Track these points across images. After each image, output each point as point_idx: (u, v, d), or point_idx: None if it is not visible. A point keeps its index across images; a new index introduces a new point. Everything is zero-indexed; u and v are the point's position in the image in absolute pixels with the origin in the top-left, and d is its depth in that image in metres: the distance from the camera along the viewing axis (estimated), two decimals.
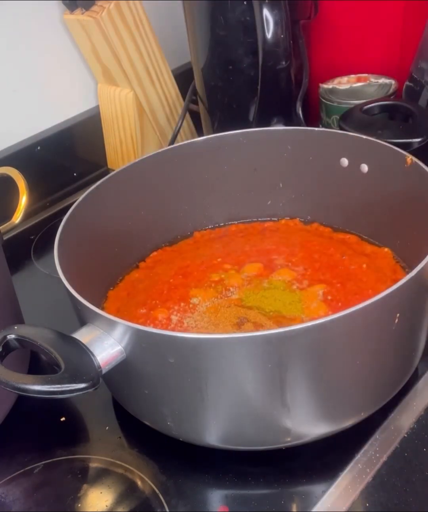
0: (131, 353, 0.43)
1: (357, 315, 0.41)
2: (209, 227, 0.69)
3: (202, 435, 0.49)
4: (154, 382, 0.46)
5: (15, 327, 0.43)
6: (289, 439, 0.48)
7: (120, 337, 0.43)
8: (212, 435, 0.49)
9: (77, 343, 0.43)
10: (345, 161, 0.61)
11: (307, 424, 0.48)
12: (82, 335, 0.44)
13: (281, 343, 0.41)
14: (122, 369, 0.45)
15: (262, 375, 0.43)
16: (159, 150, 0.63)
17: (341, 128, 0.65)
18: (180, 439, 0.50)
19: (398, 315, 0.44)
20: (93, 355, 0.42)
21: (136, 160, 0.62)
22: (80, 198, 0.56)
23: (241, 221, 0.70)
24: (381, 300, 0.41)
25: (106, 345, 0.43)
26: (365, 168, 0.60)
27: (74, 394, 0.40)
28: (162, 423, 0.50)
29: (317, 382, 0.45)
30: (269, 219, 0.69)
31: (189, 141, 0.64)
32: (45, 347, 0.42)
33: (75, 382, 0.40)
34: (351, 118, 0.67)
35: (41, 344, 0.42)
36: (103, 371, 0.43)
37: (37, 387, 0.40)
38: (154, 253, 0.67)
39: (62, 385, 0.40)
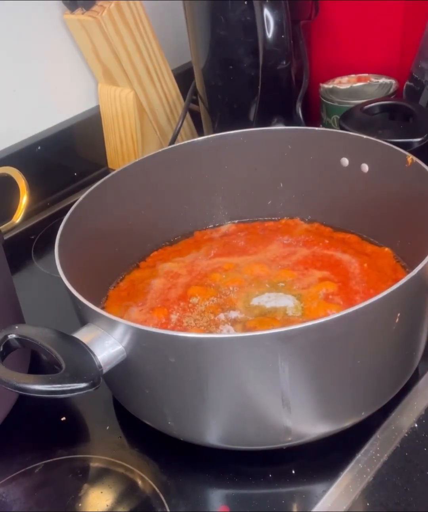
0: (132, 352, 0.44)
1: (358, 314, 0.41)
2: (210, 226, 0.69)
3: (202, 435, 0.49)
4: (155, 381, 0.46)
5: (16, 327, 0.43)
6: (289, 438, 0.48)
7: (121, 337, 0.43)
8: (213, 434, 0.48)
9: (78, 343, 0.43)
10: (345, 161, 0.62)
11: (308, 424, 0.48)
12: (83, 335, 0.44)
13: (282, 342, 0.41)
14: (123, 369, 0.45)
15: (263, 374, 0.43)
16: (160, 150, 0.63)
17: (342, 128, 0.65)
18: (181, 439, 0.50)
19: (398, 314, 0.44)
20: (94, 354, 0.42)
21: (137, 160, 0.62)
22: (81, 198, 0.56)
23: (241, 220, 0.70)
24: (381, 299, 0.41)
25: (107, 345, 0.43)
26: (365, 167, 0.60)
27: (75, 393, 0.40)
28: (163, 423, 0.50)
29: (318, 381, 0.45)
30: (269, 219, 0.69)
31: (189, 141, 0.64)
32: (46, 347, 0.42)
33: (76, 382, 0.40)
34: (352, 118, 0.67)
35: (42, 343, 0.42)
36: (104, 371, 0.43)
37: (38, 386, 0.40)
38: (155, 252, 0.67)
39: (63, 385, 0.40)
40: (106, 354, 0.43)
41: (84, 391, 0.40)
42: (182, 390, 0.46)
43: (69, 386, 0.40)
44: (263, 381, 0.44)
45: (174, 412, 0.48)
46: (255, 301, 0.57)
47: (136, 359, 0.44)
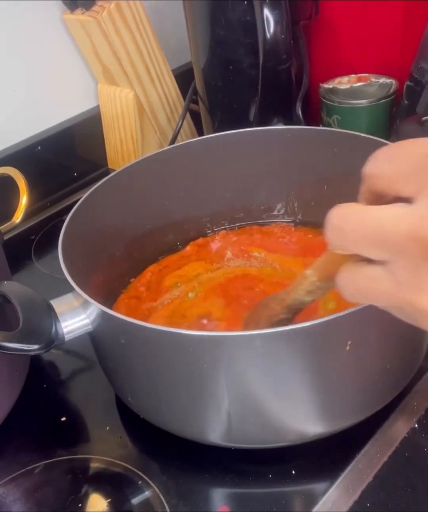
0: (98, 329, 0.45)
1: (350, 317, 0.40)
2: (211, 226, 0.69)
3: (202, 432, 0.49)
4: (149, 373, 0.47)
5: (5, 283, 0.45)
6: (289, 438, 0.48)
7: (91, 315, 0.45)
8: (211, 433, 0.48)
9: (47, 307, 0.45)
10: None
11: (307, 424, 0.48)
12: (58, 302, 0.46)
13: (277, 343, 0.41)
14: (115, 354, 0.46)
15: (259, 375, 0.43)
16: (160, 150, 0.63)
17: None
18: (174, 433, 0.50)
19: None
20: (58, 320, 0.44)
21: (137, 160, 0.61)
22: (83, 198, 0.56)
23: (243, 221, 0.69)
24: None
25: (74, 315, 0.45)
26: None
27: (23, 353, 0.42)
28: (155, 414, 0.50)
29: (316, 382, 0.45)
30: (272, 219, 0.69)
31: (189, 141, 0.64)
32: (14, 303, 0.44)
33: (25, 343, 0.42)
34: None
35: (12, 299, 0.44)
36: (66, 338, 0.44)
37: None
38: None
39: (11, 343, 0.41)
40: (71, 322, 0.45)
41: (32, 353, 0.42)
42: (175, 389, 0.46)
43: (17, 345, 0.42)
44: (259, 381, 0.43)
45: (169, 408, 0.48)
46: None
47: (102, 336, 0.46)
